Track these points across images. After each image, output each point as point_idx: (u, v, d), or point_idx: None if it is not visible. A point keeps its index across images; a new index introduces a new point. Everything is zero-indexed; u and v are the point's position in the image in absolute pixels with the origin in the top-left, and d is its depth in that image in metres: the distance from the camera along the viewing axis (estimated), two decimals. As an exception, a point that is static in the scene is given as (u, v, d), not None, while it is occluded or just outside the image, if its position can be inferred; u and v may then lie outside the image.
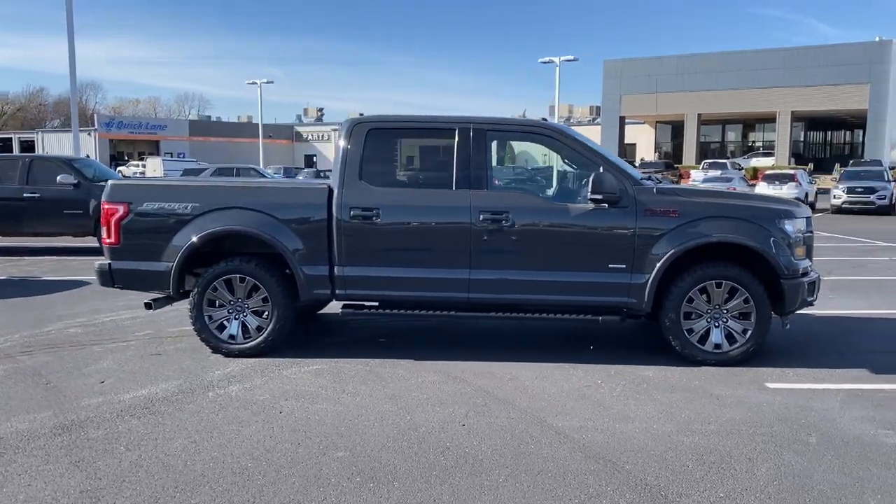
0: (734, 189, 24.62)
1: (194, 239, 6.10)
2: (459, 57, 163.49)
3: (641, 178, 6.22)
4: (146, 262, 6.28)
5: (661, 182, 6.50)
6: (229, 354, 6.26)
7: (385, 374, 5.81)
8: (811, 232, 6.24)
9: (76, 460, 4.14)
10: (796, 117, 53.24)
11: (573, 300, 6.11)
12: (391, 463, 4.10)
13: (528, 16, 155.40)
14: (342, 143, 6.26)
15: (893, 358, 6.28)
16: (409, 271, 6.12)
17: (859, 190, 27.01)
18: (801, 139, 60.91)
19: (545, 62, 41.05)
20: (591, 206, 5.94)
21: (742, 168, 43.78)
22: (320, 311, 7.81)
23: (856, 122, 56.73)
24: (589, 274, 6.01)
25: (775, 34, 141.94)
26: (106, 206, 6.30)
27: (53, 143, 66.34)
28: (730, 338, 6.01)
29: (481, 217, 5.99)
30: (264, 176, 30.27)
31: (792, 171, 31.49)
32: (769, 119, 54.50)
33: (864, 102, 48.37)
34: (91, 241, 14.09)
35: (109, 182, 6.51)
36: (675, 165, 45.92)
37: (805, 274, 6.06)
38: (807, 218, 6.21)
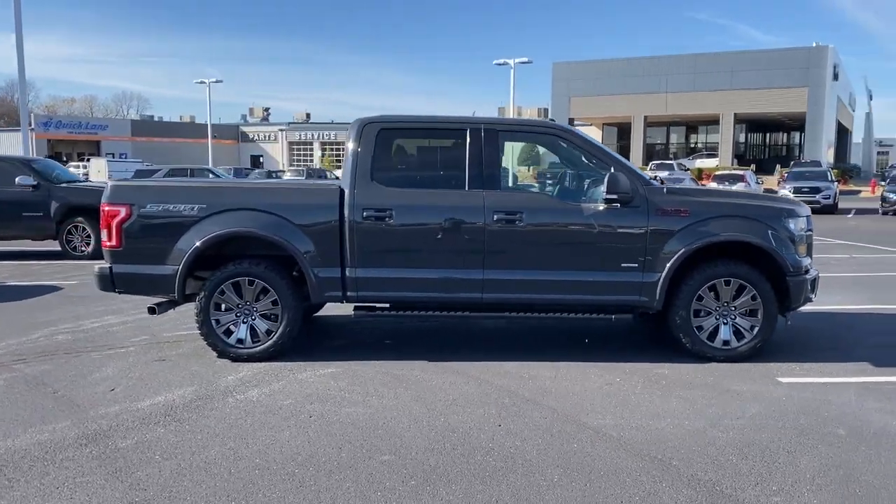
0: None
1: (198, 243, 5.93)
2: (406, 58, 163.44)
3: (650, 179, 6.32)
4: (150, 266, 6.08)
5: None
6: (237, 359, 6.12)
7: (402, 375, 5.76)
8: (811, 230, 6.42)
9: (113, 471, 4.00)
10: (738, 119, 54.80)
11: (586, 299, 6.16)
12: (441, 465, 4.07)
13: (477, 18, 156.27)
14: (352, 143, 6.18)
15: (889, 351, 6.50)
16: (423, 272, 6.08)
17: (805, 190, 28.01)
18: (743, 141, 62.78)
19: (500, 64, 41.36)
20: (603, 205, 6.00)
21: (688, 169, 44.82)
22: (315, 315, 7.72)
23: (793, 124, 58.73)
24: (602, 273, 6.06)
25: (712, 38, 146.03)
26: (107, 209, 6.08)
27: (-13, 144, 63.78)
28: (737, 334, 6.14)
29: (495, 217, 5.99)
30: (219, 176, 29.71)
31: (741, 172, 32.46)
32: (712, 121, 55.95)
33: (803, 105, 50.08)
34: (51, 245, 13.64)
35: (110, 183, 6.30)
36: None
37: (807, 271, 6.24)
38: (807, 216, 6.39)
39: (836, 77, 51.86)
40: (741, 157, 57.94)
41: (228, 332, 6.14)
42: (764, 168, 52.05)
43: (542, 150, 7.19)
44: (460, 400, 5.18)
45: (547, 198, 6.60)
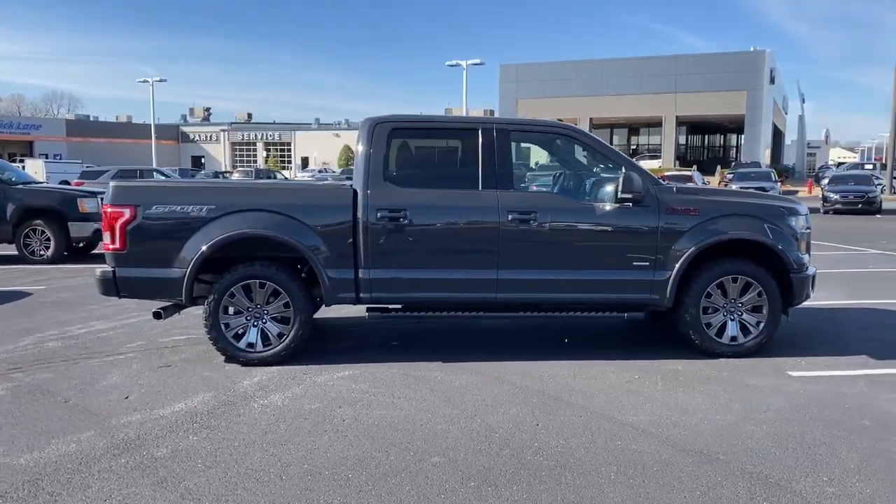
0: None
1: (204, 247, 5.76)
2: (350, 59, 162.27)
3: (659, 179, 6.42)
4: (156, 270, 5.89)
5: None
6: (247, 363, 5.97)
7: (422, 376, 5.71)
8: (810, 228, 6.62)
9: (158, 481, 3.85)
10: (680, 122, 56.23)
11: (598, 298, 6.22)
12: (494, 466, 4.05)
13: (421, 21, 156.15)
14: (362, 143, 6.10)
15: (883, 345, 6.74)
16: (437, 273, 6.04)
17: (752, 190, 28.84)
18: (684, 143, 64.38)
19: (452, 65, 41.48)
20: (615, 205, 6.06)
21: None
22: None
23: (731, 126, 60.61)
24: (614, 272, 6.13)
25: (651, 43, 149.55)
26: (110, 210, 5.86)
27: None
28: (744, 330, 6.28)
29: (510, 217, 5.99)
30: (168, 177, 28.99)
31: (689, 172, 33.25)
32: (654, 123, 57.31)
33: (742, 108, 51.70)
34: (7, 249, 13.09)
35: (112, 184, 6.07)
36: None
37: (807, 268, 6.43)
38: (806, 215, 6.58)
39: (772, 81, 53.74)
40: (682, 159, 59.41)
41: (237, 336, 5.99)
42: (703, 169, 53.32)
43: (554, 149, 7.22)
44: (489, 400, 5.16)
45: (560, 197, 6.64)
